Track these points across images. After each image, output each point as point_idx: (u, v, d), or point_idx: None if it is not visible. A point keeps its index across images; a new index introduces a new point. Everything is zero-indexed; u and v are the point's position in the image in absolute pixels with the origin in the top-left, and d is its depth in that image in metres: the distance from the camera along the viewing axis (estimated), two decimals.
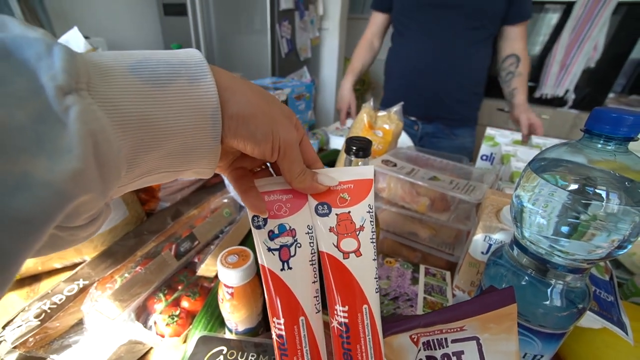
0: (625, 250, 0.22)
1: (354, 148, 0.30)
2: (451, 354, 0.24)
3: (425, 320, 0.23)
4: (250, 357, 0.31)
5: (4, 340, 0.35)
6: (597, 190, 0.21)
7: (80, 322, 0.40)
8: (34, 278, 0.48)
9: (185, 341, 0.39)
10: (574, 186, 0.22)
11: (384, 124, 0.58)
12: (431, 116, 0.95)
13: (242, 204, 0.58)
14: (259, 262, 0.22)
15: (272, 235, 0.22)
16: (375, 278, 0.23)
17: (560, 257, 0.24)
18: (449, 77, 0.90)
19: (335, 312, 0.23)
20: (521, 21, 0.85)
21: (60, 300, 0.40)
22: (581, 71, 1.53)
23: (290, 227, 0.23)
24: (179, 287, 0.43)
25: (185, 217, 0.55)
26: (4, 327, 0.36)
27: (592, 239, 0.21)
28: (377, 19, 1.00)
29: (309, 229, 0.23)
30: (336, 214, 0.23)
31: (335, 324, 0.23)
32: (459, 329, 0.24)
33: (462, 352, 0.24)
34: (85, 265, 0.45)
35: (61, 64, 0.12)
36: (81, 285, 0.42)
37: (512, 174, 0.50)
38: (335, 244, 0.23)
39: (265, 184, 0.23)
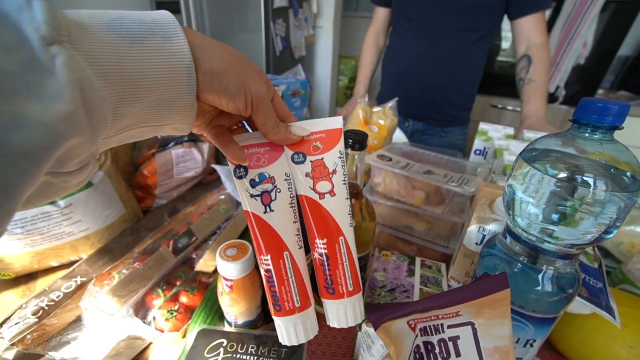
0: (612, 235, 0.23)
1: (350, 141, 0.31)
2: (447, 339, 0.25)
3: (422, 306, 0.24)
4: (250, 349, 0.32)
5: (2, 337, 0.35)
6: (585, 178, 0.22)
7: (78, 319, 0.40)
8: (30, 276, 0.48)
9: (184, 336, 0.39)
10: (562, 174, 0.23)
11: (379, 119, 0.58)
12: (422, 116, 0.96)
13: (234, 195, 0.58)
14: (243, 208, 0.25)
15: (253, 183, 0.25)
16: (349, 214, 0.26)
17: (550, 243, 0.25)
18: (441, 78, 0.89)
19: (316, 245, 0.26)
20: (530, 12, 0.75)
21: (57, 297, 0.40)
22: (571, 68, 1.56)
23: (269, 175, 0.25)
24: (177, 283, 0.43)
25: (182, 214, 0.55)
26: (1, 325, 0.36)
27: (580, 224, 0.22)
28: (380, 14, 0.99)
29: (287, 176, 0.26)
30: (311, 161, 0.25)
31: (316, 255, 0.26)
32: (454, 314, 0.25)
33: (457, 337, 0.25)
34: (83, 262, 0.45)
35: (42, 16, 0.13)
36: (79, 282, 0.42)
37: (505, 167, 0.51)
38: (312, 187, 0.25)
39: (243, 138, 0.25)
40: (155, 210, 0.58)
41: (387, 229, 0.53)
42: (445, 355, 0.24)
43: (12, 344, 0.35)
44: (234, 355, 0.31)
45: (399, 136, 0.84)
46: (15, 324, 0.36)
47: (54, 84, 0.13)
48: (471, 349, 0.25)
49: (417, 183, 0.49)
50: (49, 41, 0.13)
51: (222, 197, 0.59)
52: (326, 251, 0.25)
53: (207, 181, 0.69)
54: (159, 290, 0.41)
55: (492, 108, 1.76)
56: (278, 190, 0.25)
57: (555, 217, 0.23)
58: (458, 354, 0.25)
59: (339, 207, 0.25)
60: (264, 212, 0.25)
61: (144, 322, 0.38)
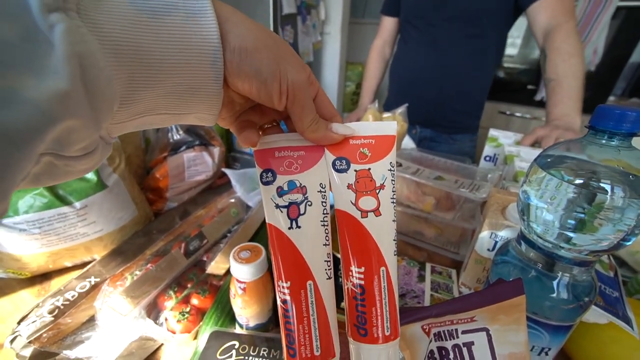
0: (631, 242, 0.23)
1: None
2: (462, 345, 0.25)
3: (437, 310, 0.24)
4: (262, 352, 0.32)
5: (19, 335, 0.35)
6: (602, 184, 0.22)
7: (92, 319, 0.40)
8: (45, 276, 0.49)
9: (195, 337, 0.39)
10: (579, 180, 0.23)
11: None
12: (430, 123, 0.95)
13: (244, 199, 0.59)
14: (266, 219, 0.21)
15: (280, 192, 0.20)
16: (394, 240, 0.21)
17: (566, 250, 0.25)
18: (449, 86, 0.88)
19: (351, 274, 0.21)
20: None
21: (72, 297, 0.40)
22: None
23: (300, 184, 0.21)
24: (189, 285, 0.44)
25: (193, 217, 0.56)
26: (18, 323, 0.36)
27: (598, 231, 0.22)
28: (387, 24, 0.99)
29: (322, 187, 0.21)
30: (355, 170, 0.21)
31: (349, 285, 0.21)
32: (469, 320, 0.25)
33: (472, 343, 0.25)
34: (96, 263, 0.46)
35: None
36: (92, 283, 0.42)
37: (516, 173, 0.51)
38: (353, 202, 0.21)
39: (275, 139, 0.21)
40: (166, 213, 0.59)
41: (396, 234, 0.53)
42: None
43: (30, 342, 0.35)
44: (246, 358, 0.31)
45: (407, 143, 0.84)
46: (33, 322, 0.36)
47: (51, 57, 0.12)
48: (486, 355, 0.25)
49: (427, 189, 0.49)
50: (50, 7, 0.12)
51: (233, 200, 0.59)
52: (362, 282, 0.21)
53: (217, 185, 0.69)
54: (171, 292, 0.42)
55: (500, 115, 1.75)
56: (309, 203, 0.21)
57: (572, 223, 0.23)
58: (472, 359, 0.25)
59: (383, 231, 0.21)
60: (289, 228, 0.20)
61: (156, 323, 0.39)
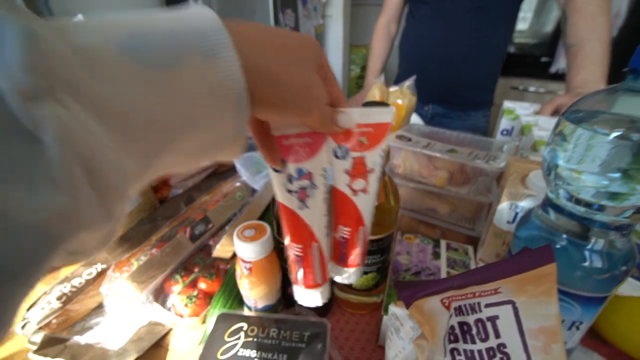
0: None
1: None
2: (485, 319, 0.23)
3: (459, 282, 0.22)
4: (271, 333, 0.30)
5: (29, 321, 0.35)
6: None
7: (100, 306, 0.40)
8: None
9: (204, 321, 0.39)
10: (616, 132, 0.20)
11: (396, 99, 0.55)
12: (442, 100, 0.92)
13: (250, 182, 0.57)
14: (277, 199, 0.24)
15: (290, 179, 0.23)
16: (372, 207, 0.26)
17: (605, 212, 0.22)
18: (461, 61, 0.84)
19: (339, 229, 0.27)
20: None
21: (79, 283, 0.40)
22: None
23: (307, 170, 0.24)
24: (195, 269, 0.43)
25: (198, 202, 0.54)
26: (28, 309, 0.36)
27: None
28: (391, 2, 0.95)
29: (324, 171, 0.24)
30: (352, 157, 0.24)
31: (338, 236, 0.27)
32: (493, 292, 0.22)
33: (496, 317, 0.23)
34: (103, 250, 0.45)
35: (19, 56, 0.08)
36: (99, 269, 0.42)
37: (535, 142, 0.48)
38: (348, 184, 0.25)
39: (281, 126, 0.22)
40: (171, 200, 0.58)
41: (408, 212, 0.51)
42: (483, 337, 0.22)
43: (40, 328, 0.35)
44: (255, 340, 0.30)
45: (415, 121, 0.81)
46: (41, 308, 0.36)
47: (44, 163, 0.09)
48: (512, 329, 0.23)
49: (439, 162, 0.47)
50: (30, 95, 0.09)
51: (238, 184, 0.58)
52: (347, 236, 0.27)
53: (222, 170, 0.68)
54: (178, 277, 0.41)
55: (512, 90, 1.68)
56: (314, 186, 0.24)
57: (614, 178, 0.20)
58: (497, 335, 0.23)
59: (368, 203, 0.26)
60: (299, 208, 0.24)
61: (164, 308, 0.38)
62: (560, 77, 1.59)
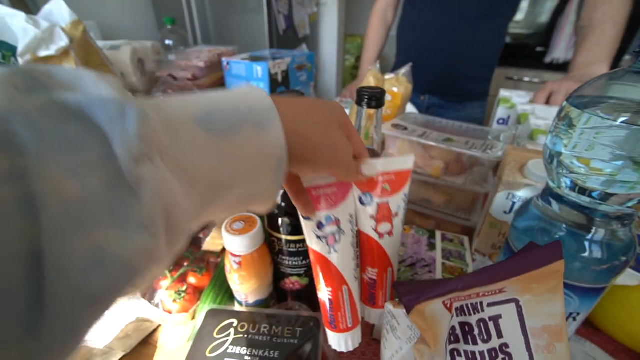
0: None
1: (366, 97, 0.27)
2: (487, 319, 0.22)
3: (464, 283, 0.21)
4: (262, 329, 0.29)
5: None
6: None
7: None
8: None
9: (193, 317, 0.37)
10: (622, 118, 0.19)
11: (392, 87, 0.54)
12: (439, 90, 0.90)
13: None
14: (309, 246, 0.26)
15: (320, 226, 0.25)
16: (399, 249, 0.28)
17: (610, 201, 0.21)
18: (458, 50, 0.82)
19: (367, 271, 0.28)
20: None
21: None
22: None
23: (335, 217, 0.25)
24: (185, 264, 0.41)
25: None
26: None
27: None
28: None
29: (351, 217, 0.26)
30: (377, 204, 0.25)
31: (366, 278, 0.28)
32: (497, 292, 0.21)
33: (499, 317, 0.22)
34: None
35: (135, 129, 0.11)
36: None
37: (532, 131, 0.47)
38: (374, 228, 0.26)
39: (311, 178, 0.25)
40: None
41: None
42: (485, 337, 0.21)
43: None
44: (246, 336, 0.29)
45: (410, 110, 0.79)
46: None
47: (137, 211, 0.11)
48: (515, 329, 0.22)
49: (435, 152, 0.46)
50: (138, 159, 0.11)
51: None
52: (375, 277, 0.28)
53: None
54: (166, 271, 0.40)
55: (507, 81, 1.68)
56: (342, 232, 0.25)
57: (620, 166, 0.19)
58: (500, 335, 0.22)
59: (393, 245, 0.27)
60: (329, 253, 0.25)
61: (152, 304, 0.37)
62: (555, 67, 1.59)
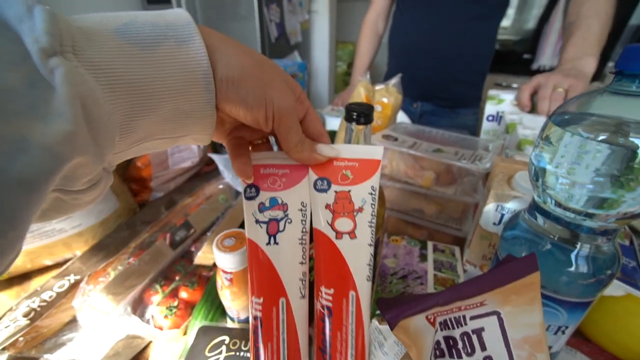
0: None
1: (355, 114, 0.27)
2: (471, 332, 0.22)
3: (444, 298, 0.21)
4: None
5: None
6: (634, 139, 0.19)
7: (74, 319, 0.38)
8: (24, 277, 0.46)
9: (185, 333, 0.37)
10: (602, 136, 0.20)
11: (382, 97, 0.55)
12: (431, 96, 0.91)
13: (233, 184, 0.56)
14: (246, 234, 0.21)
15: (261, 208, 0.21)
16: (369, 265, 0.21)
17: (594, 217, 0.22)
18: (450, 56, 0.83)
19: (320, 294, 0.21)
20: None
21: (50, 297, 0.37)
22: None
23: (282, 201, 0.21)
24: (176, 278, 0.41)
25: (179, 206, 0.52)
26: None
27: (634, 191, 0.19)
28: None
29: (303, 206, 0.22)
30: (335, 191, 0.22)
31: (318, 306, 0.21)
32: (478, 304, 0.22)
33: (482, 329, 0.22)
34: (76, 259, 0.43)
35: (43, 25, 0.12)
36: (72, 281, 0.39)
37: (520, 141, 0.48)
38: (330, 222, 0.21)
39: (261, 157, 0.22)
40: (151, 203, 0.55)
41: (395, 213, 0.50)
42: (469, 350, 0.22)
43: (3, 348, 0.33)
44: (238, 354, 0.29)
45: (402, 118, 0.80)
46: (6, 327, 0.34)
47: (54, 101, 0.12)
48: (498, 341, 0.22)
49: (426, 163, 0.46)
50: (48, 53, 0.12)
51: (221, 186, 0.56)
52: (330, 305, 0.20)
53: (205, 172, 0.66)
54: (157, 286, 0.39)
55: (496, 87, 1.71)
56: (289, 220, 0.21)
57: (604, 185, 0.20)
58: (484, 348, 0.22)
59: (357, 254, 0.21)
60: (267, 244, 0.21)
61: (142, 320, 0.36)
62: (542, 73, 1.63)
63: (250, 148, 0.24)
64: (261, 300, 0.20)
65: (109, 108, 0.14)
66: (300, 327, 0.21)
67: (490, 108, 0.61)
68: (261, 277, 0.20)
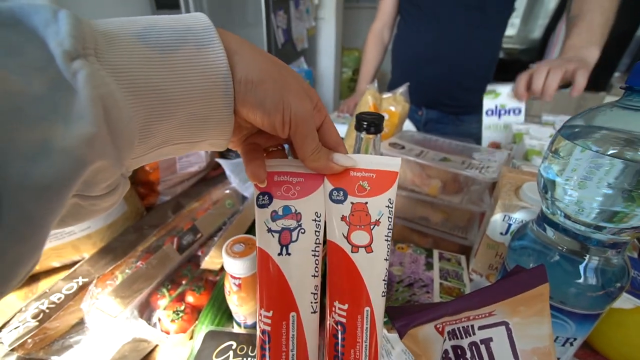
0: None
1: (365, 124, 0.28)
2: (479, 342, 0.22)
3: (454, 308, 0.21)
4: None
5: (1, 342, 0.33)
6: None
7: (81, 322, 0.38)
8: (33, 278, 0.46)
9: (191, 337, 0.37)
10: (614, 150, 0.20)
11: (389, 105, 0.55)
12: (436, 103, 0.92)
13: (240, 189, 0.56)
14: (257, 243, 0.21)
15: (274, 216, 0.20)
16: (384, 280, 0.21)
17: (604, 230, 0.22)
18: (455, 63, 0.84)
19: (334, 309, 0.20)
20: None
21: (59, 299, 0.38)
22: None
23: (295, 210, 0.21)
24: (183, 282, 0.41)
25: (186, 210, 0.53)
26: (0, 330, 0.34)
27: None
28: (386, 6, 0.94)
29: (317, 216, 0.21)
30: (351, 203, 0.21)
31: (331, 321, 0.20)
32: (487, 315, 0.22)
33: (490, 339, 0.22)
34: (84, 262, 0.43)
35: (67, 28, 0.12)
36: (80, 283, 0.40)
37: (527, 151, 0.48)
38: (345, 235, 0.20)
39: (276, 164, 0.22)
40: (158, 207, 0.56)
41: (401, 220, 0.51)
42: None
43: (12, 349, 0.33)
44: (244, 359, 0.29)
45: (408, 127, 0.81)
46: (15, 328, 0.34)
47: (76, 103, 0.12)
48: (506, 351, 0.22)
49: (432, 171, 0.46)
50: (72, 56, 0.12)
51: (228, 191, 0.56)
52: (344, 320, 0.20)
53: (212, 176, 0.66)
54: (164, 290, 0.39)
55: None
56: (302, 230, 0.20)
57: (617, 200, 0.20)
58: (492, 358, 0.22)
59: (373, 269, 0.20)
60: (279, 254, 0.20)
61: (149, 324, 0.36)
62: None
63: (264, 156, 0.23)
64: (270, 313, 0.19)
65: (129, 111, 0.14)
66: (311, 344, 0.20)
67: (488, 103, 0.61)
68: (271, 289, 0.20)
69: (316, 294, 0.20)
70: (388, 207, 0.21)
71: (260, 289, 0.20)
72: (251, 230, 0.50)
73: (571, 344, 0.26)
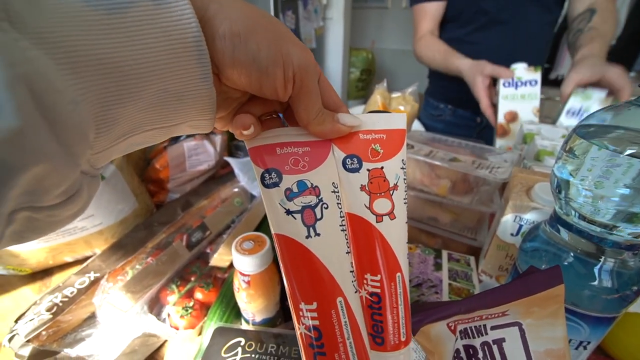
0: None
1: None
2: (491, 342, 0.22)
3: (467, 306, 0.21)
4: (270, 349, 0.29)
5: (17, 334, 0.34)
6: None
7: (93, 316, 0.39)
8: (46, 272, 0.47)
9: (200, 333, 0.37)
10: (631, 150, 0.20)
11: (399, 105, 0.55)
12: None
13: (248, 188, 0.56)
14: (273, 231, 0.17)
15: (289, 195, 0.17)
16: (406, 242, 0.20)
17: (621, 231, 0.21)
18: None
19: (365, 282, 0.19)
20: None
21: (71, 293, 0.39)
22: None
23: (312, 184, 0.18)
24: (192, 278, 0.42)
25: (195, 208, 0.53)
26: (16, 321, 0.35)
27: None
28: (433, 11, 0.84)
29: (335, 187, 0.18)
30: (367, 170, 0.19)
31: (364, 294, 0.19)
32: (500, 314, 0.22)
33: (503, 340, 0.22)
34: (96, 257, 0.44)
35: None
36: (92, 278, 0.41)
37: (538, 152, 0.47)
38: (368, 206, 0.19)
39: (274, 134, 0.18)
40: (168, 205, 0.57)
41: (409, 220, 0.50)
42: None
43: (28, 341, 0.34)
44: (253, 355, 0.29)
45: (416, 127, 0.80)
46: (30, 320, 0.35)
47: None
48: (519, 352, 0.22)
49: (442, 171, 0.46)
50: None
51: (236, 190, 0.57)
52: (379, 291, 0.19)
53: (220, 175, 0.67)
54: (173, 286, 0.40)
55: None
56: (325, 205, 0.18)
57: (636, 199, 0.20)
58: (504, 359, 0.22)
59: (398, 235, 0.19)
60: (307, 237, 0.17)
61: (159, 319, 0.37)
62: (559, 83, 1.60)
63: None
64: (314, 305, 0.17)
65: (72, 94, 0.11)
66: (362, 326, 0.18)
67: (574, 103, 0.61)
68: (307, 278, 0.17)
69: (353, 271, 0.18)
70: (402, 168, 0.19)
71: (291, 282, 0.17)
72: (260, 228, 0.51)
73: (585, 348, 0.26)
